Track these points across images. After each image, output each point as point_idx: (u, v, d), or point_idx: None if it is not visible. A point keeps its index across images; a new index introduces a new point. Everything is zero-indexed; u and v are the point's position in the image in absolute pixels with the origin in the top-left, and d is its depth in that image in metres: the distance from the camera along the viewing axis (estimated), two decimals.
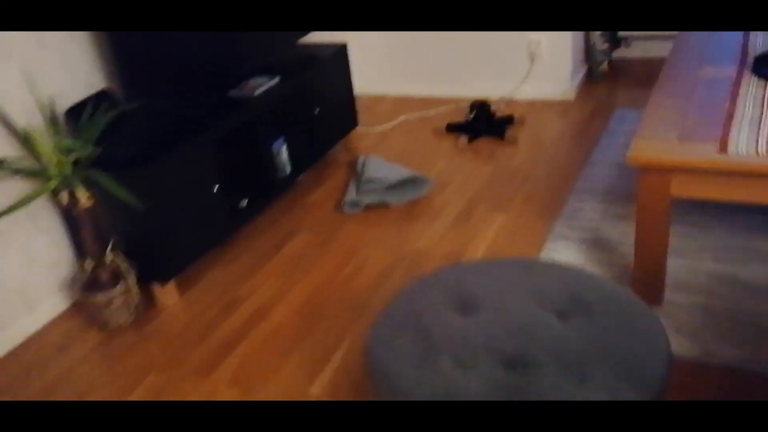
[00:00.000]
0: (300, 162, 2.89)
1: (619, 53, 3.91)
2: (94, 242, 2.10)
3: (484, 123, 3.19)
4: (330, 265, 2.39)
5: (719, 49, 2.30)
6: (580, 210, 2.44)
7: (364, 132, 3.43)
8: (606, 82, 3.64)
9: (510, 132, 3.14)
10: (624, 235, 2.25)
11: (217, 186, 2.41)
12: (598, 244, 2.22)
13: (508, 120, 3.27)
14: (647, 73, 3.67)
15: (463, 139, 3.13)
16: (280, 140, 2.76)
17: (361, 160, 2.94)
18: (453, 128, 3.27)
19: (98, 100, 2.25)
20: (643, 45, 3.86)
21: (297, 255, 2.47)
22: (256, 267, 2.43)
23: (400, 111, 3.65)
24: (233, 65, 2.64)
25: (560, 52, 3.41)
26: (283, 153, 2.77)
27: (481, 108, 3.25)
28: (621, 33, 3.86)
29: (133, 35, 2.19)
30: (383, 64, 3.86)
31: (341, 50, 3.11)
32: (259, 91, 2.65)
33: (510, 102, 3.56)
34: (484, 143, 3.15)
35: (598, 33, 3.54)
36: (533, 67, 3.50)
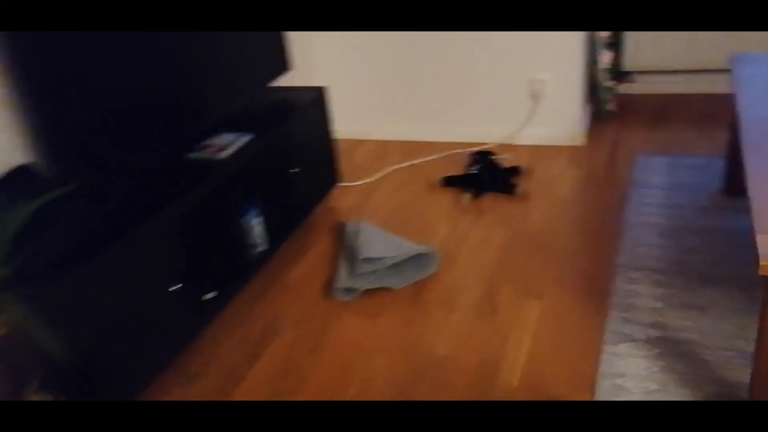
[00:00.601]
0: (277, 233, 2.35)
1: (624, 89, 3.53)
2: (8, 382, 1.52)
3: (488, 176, 2.72)
4: (327, 381, 1.85)
5: None
6: (635, 295, 1.98)
7: (347, 188, 2.92)
8: (614, 121, 3.24)
9: (519, 186, 2.68)
10: (700, 333, 1.79)
11: (178, 285, 1.86)
12: (671, 347, 1.76)
13: (515, 171, 2.81)
14: (656, 110, 3.28)
15: (467, 196, 2.65)
16: (254, 211, 2.22)
17: (350, 229, 2.42)
18: (452, 182, 2.80)
19: (14, 180, 1.67)
20: (649, 80, 3.48)
21: (280, 368, 1.92)
22: (226, 390, 1.87)
23: (385, 159, 3.15)
24: (191, 121, 2.09)
25: (567, 90, 2.99)
26: (258, 225, 2.23)
27: (483, 158, 2.79)
28: (625, 68, 3.48)
29: (61, 89, 1.63)
30: (363, 102, 3.36)
31: (319, 95, 2.59)
32: (226, 153, 2.11)
33: (510, 147, 3.12)
34: (490, 200, 2.68)
35: (602, 68, 3.14)
36: (536, 108, 3.07)
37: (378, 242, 2.25)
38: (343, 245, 2.38)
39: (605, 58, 3.13)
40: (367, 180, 2.97)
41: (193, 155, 2.12)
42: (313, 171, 2.58)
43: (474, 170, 2.72)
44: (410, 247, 2.23)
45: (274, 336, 2.06)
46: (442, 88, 3.18)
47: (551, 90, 3.01)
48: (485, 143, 3.16)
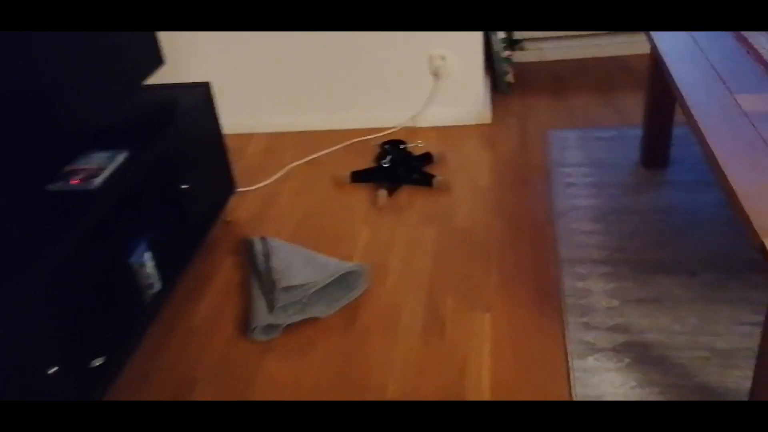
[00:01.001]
0: (172, 266, 1.97)
1: (516, 58, 3.40)
2: None
3: (402, 167, 2.48)
4: None
5: (729, 64, 1.80)
6: (587, 294, 1.83)
7: (244, 194, 2.55)
8: (515, 94, 3.10)
9: (437, 176, 2.46)
10: (665, 332, 1.67)
11: (54, 368, 1.45)
12: (640, 354, 1.63)
13: (428, 158, 2.59)
14: (553, 79, 3.18)
15: (383, 193, 2.40)
16: (142, 246, 1.82)
17: (258, 248, 2.09)
18: (362, 177, 2.52)
19: None
20: (538, 47, 3.38)
21: None
22: None
23: (280, 154, 2.80)
24: (47, 141, 1.65)
25: (469, 65, 2.80)
26: (148, 263, 1.84)
27: (394, 148, 2.54)
28: (516, 35, 3.35)
29: None
30: (248, 91, 2.98)
31: (204, 92, 2.20)
32: (98, 180, 1.69)
33: (415, 131, 2.89)
34: (407, 195, 2.44)
35: (499, 38, 2.97)
36: (439, 87, 2.85)
37: (296, 265, 1.94)
38: (253, 269, 2.05)
39: None
40: (266, 182, 2.62)
41: (56, 186, 1.68)
42: (206, 182, 2.20)
43: (386, 163, 2.46)
44: (336, 266, 1.94)
45: (189, 395, 1.71)
46: (337, 70, 2.87)
47: (452, 66, 2.80)
48: (388, 128, 2.91)
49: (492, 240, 2.14)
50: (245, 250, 2.21)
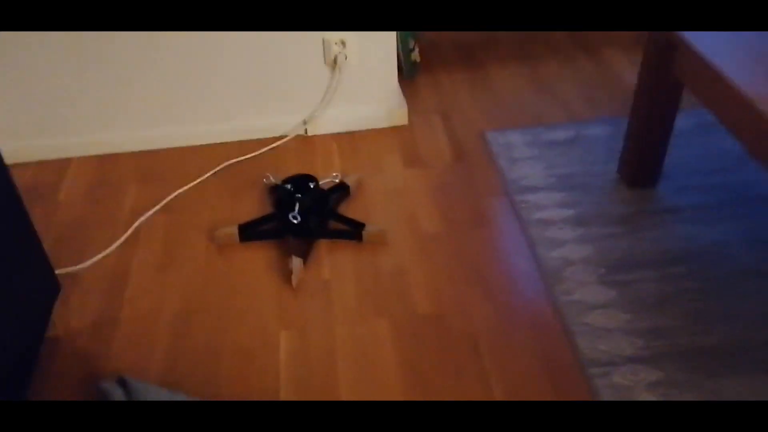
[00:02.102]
0: None
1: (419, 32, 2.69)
2: None
3: (315, 216, 1.72)
4: None
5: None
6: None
7: (73, 279, 1.64)
8: (424, 77, 2.41)
9: (368, 225, 1.74)
10: None
11: None
12: None
13: (340, 191, 1.85)
14: (463, 56, 2.54)
15: (298, 263, 1.63)
16: None
17: (114, 395, 1.26)
18: (255, 232, 1.73)
19: None
20: None
21: None
22: None
23: (116, 194, 1.90)
24: None
25: (378, 51, 2.05)
26: None
27: (299, 185, 1.75)
28: None
29: None
30: (52, 99, 1.99)
31: None
32: None
33: (306, 141, 2.11)
34: (328, 256, 1.70)
35: None
36: (337, 81, 2.08)
37: None
38: None
39: None
40: (105, 252, 1.73)
41: None
42: (11, 301, 1.29)
43: (295, 217, 1.67)
44: None
45: None
46: (194, 62, 1.98)
47: (354, 52, 2.03)
48: (271, 139, 2.10)
49: (476, 331, 1.50)
50: (97, 396, 1.37)
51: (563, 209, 1.79)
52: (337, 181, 1.85)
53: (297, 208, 1.67)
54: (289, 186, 1.72)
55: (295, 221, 1.65)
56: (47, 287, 1.46)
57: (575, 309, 1.51)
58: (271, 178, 1.88)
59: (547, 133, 2.10)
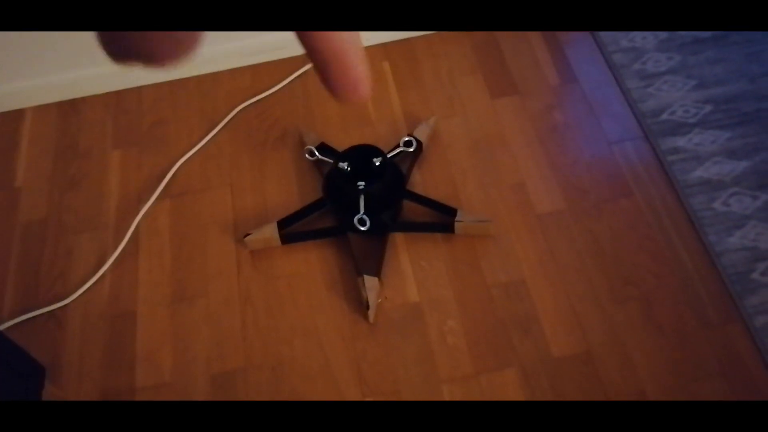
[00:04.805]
0: None
1: None
2: None
3: (384, 206, 1.19)
4: None
5: None
6: None
7: (59, 339, 1.18)
8: None
9: (459, 211, 1.22)
10: None
11: None
12: None
13: (412, 155, 1.30)
14: None
15: (373, 286, 1.13)
16: None
17: None
18: (301, 232, 1.21)
19: None
20: None
21: None
22: None
23: (94, 183, 1.36)
24: None
25: None
26: None
27: (363, 161, 1.20)
28: None
29: None
30: None
31: None
32: None
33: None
34: (410, 263, 1.21)
35: None
36: None
37: None
38: None
39: None
40: (97, 274, 1.24)
41: None
42: None
43: (362, 220, 1.14)
44: None
45: None
46: None
47: None
48: (300, 56, 1.49)
49: (640, 381, 1.05)
50: None
51: (732, 161, 1.26)
52: (404, 142, 1.29)
53: (362, 206, 1.14)
54: (345, 166, 1.17)
55: (362, 228, 1.13)
56: (25, 376, 1.00)
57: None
58: (309, 141, 1.32)
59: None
